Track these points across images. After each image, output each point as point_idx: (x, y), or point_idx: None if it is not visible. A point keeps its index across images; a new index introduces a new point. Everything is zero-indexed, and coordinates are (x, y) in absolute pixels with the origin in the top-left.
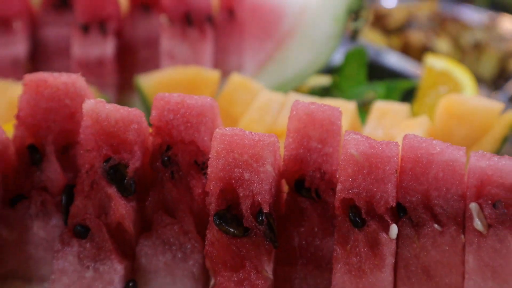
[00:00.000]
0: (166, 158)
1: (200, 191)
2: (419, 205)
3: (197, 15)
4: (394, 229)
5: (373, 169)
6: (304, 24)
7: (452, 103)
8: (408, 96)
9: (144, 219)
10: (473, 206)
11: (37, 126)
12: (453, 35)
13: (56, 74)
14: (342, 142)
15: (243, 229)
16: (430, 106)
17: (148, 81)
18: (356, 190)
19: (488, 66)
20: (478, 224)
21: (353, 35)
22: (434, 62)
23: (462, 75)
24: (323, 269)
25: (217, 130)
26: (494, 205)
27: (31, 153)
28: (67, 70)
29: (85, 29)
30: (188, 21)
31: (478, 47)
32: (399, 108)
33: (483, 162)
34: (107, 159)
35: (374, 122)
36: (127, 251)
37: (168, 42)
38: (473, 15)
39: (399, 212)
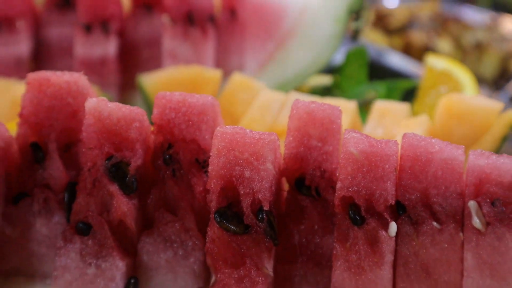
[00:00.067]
0: (167, 156)
1: (201, 189)
2: (418, 203)
3: (199, 15)
4: (393, 227)
5: (373, 167)
6: (305, 24)
7: (452, 102)
8: (408, 96)
9: (145, 217)
10: (471, 204)
11: (40, 124)
12: (455, 35)
13: (58, 73)
14: (342, 141)
15: (243, 226)
16: (431, 105)
17: (150, 80)
18: (356, 188)
19: (490, 66)
20: (476, 222)
21: (354, 35)
22: (435, 62)
23: (463, 75)
24: (323, 266)
25: (218, 128)
26: (492, 203)
27: (34, 151)
28: (70, 69)
29: (88, 28)
30: (190, 21)
31: (480, 48)
32: (399, 107)
33: (481, 160)
34: (109, 157)
35: (374, 122)
36: (128, 248)
37: (170, 41)
38: (475, 16)
39: (398, 210)
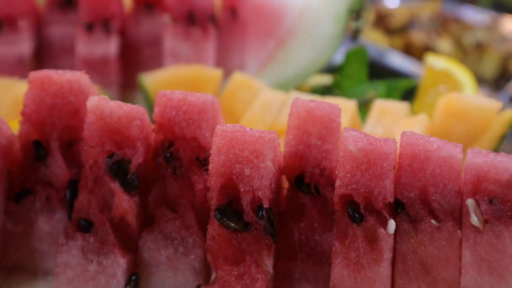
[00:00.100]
0: (168, 154)
1: (201, 186)
2: (416, 201)
3: (200, 15)
4: (392, 224)
5: (371, 165)
6: (305, 24)
7: (451, 101)
8: (408, 95)
9: (146, 214)
10: (469, 202)
11: (42, 123)
12: (455, 36)
13: (60, 72)
14: (341, 139)
15: (243, 223)
16: (430, 105)
17: (151, 80)
18: (355, 186)
19: (490, 66)
20: (474, 219)
21: (354, 35)
22: (435, 61)
23: (462, 75)
24: (322, 263)
25: (218, 126)
26: (490, 201)
27: (36, 149)
28: (72, 68)
29: (89, 28)
30: (191, 20)
31: (480, 48)
32: (398, 106)
33: (479, 158)
34: (110, 155)
35: (374, 120)
36: (129, 245)
37: (171, 41)
38: (475, 16)
39: (397, 207)
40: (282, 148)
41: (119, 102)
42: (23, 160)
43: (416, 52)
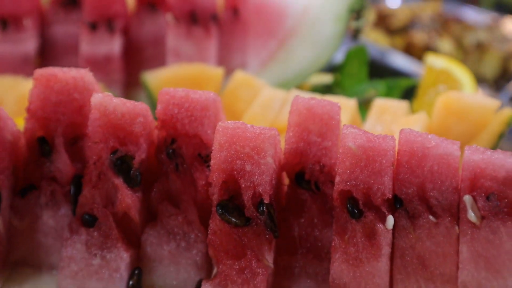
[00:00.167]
0: (171, 151)
1: (203, 182)
2: (414, 197)
3: (202, 14)
4: (390, 220)
5: (370, 162)
6: (307, 23)
7: (450, 100)
8: (408, 94)
9: (149, 209)
10: (467, 198)
11: (47, 119)
12: (456, 36)
13: (65, 69)
14: (340, 136)
15: (244, 219)
16: (430, 104)
17: (154, 78)
18: (354, 182)
19: (490, 66)
20: (472, 215)
21: (355, 34)
22: (434, 61)
23: (462, 74)
24: (322, 258)
25: (219, 123)
26: (487, 198)
27: (41, 145)
28: (75, 67)
29: (93, 27)
30: (193, 19)
31: (481, 48)
32: (398, 105)
33: (476, 155)
34: (114, 151)
35: (373, 119)
36: (133, 240)
37: (173, 40)
38: (476, 16)
39: (396, 203)
40: (282, 145)
41: (122, 99)
42: (28, 156)
43: (417, 52)
